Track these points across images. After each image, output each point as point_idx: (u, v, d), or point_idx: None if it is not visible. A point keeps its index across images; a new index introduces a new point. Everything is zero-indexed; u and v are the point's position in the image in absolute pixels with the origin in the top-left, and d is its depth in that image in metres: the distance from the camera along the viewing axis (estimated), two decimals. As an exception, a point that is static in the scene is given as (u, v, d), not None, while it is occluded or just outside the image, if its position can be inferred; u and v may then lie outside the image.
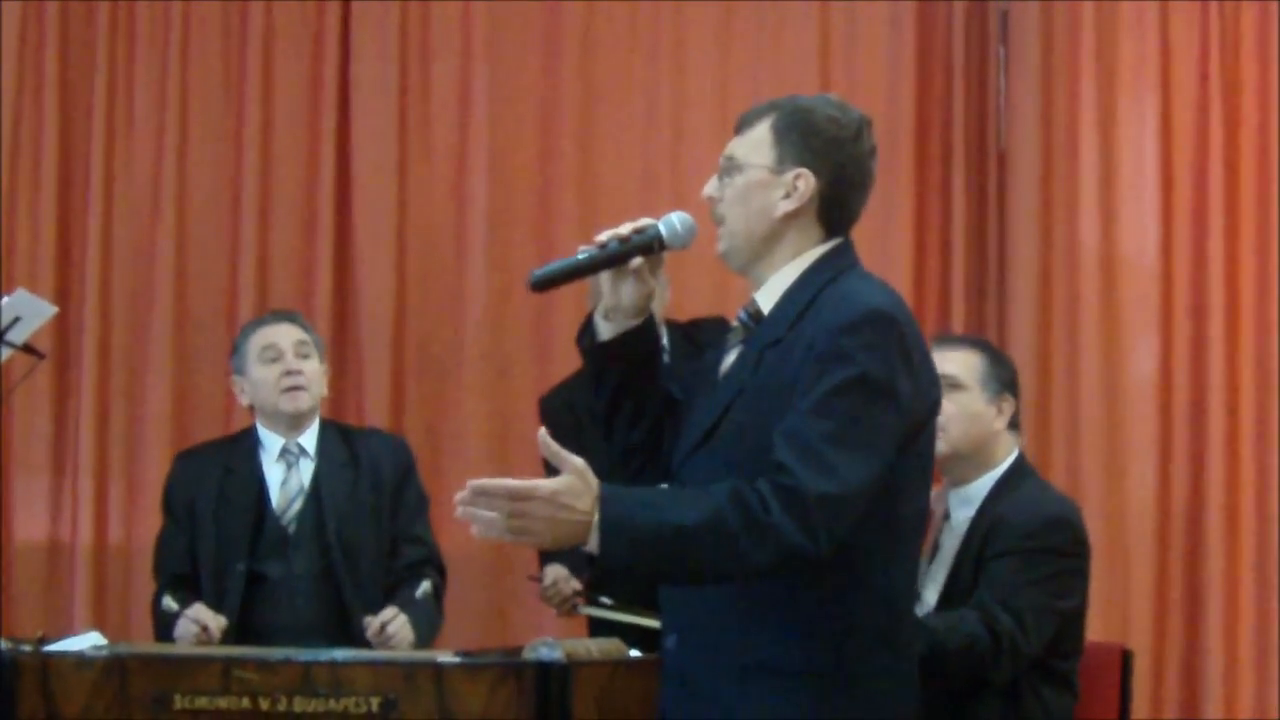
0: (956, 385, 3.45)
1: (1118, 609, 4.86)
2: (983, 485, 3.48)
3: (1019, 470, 3.51)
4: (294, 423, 4.12)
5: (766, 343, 2.58)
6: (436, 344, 5.11)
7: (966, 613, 3.25)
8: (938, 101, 5.20)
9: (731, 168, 2.64)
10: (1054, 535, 3.35)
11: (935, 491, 3.37)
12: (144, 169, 5.06)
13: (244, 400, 4.19)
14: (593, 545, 2.38)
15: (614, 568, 2.39)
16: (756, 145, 2.63)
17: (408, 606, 3.95)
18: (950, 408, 3.39)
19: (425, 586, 4.04)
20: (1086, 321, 5.05)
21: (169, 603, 3.92)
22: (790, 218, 2.63)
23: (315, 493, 4.07)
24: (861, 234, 5.00)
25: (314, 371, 4.16)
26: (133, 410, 5.01)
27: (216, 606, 3.91)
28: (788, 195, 2.62)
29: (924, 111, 5.19)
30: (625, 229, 2.63)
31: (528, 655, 3.44)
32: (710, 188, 2.67)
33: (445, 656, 3.48)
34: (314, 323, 4.91)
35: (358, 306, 5.10)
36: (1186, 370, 5.05)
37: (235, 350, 4.22)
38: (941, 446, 3.41)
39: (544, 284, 2.66)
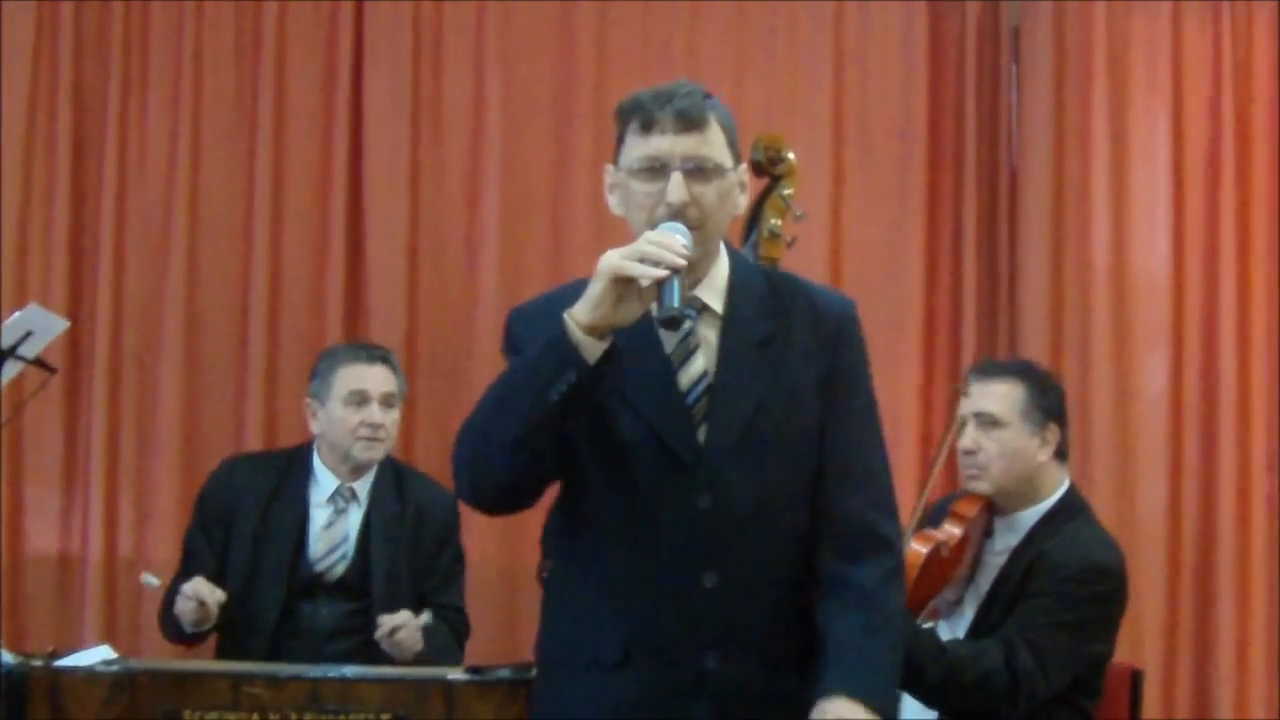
0: (996, 423, 3.36)
1: (1128, 628, 4.76)
2: (1029, 516, 3.39)
3: (1069, 505, 3.41)
4: (358, 469, 4.04)
5: (757, 340, 2.54)
6: (448, 351, 5.08)
7: (989, 644, 3.20)
8: (950, 118, 5.19)
9: (711, 171, 2.49)
10: (1096, 583, 3.29)
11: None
12: (157, 175, 5.03)
13: (314, 427, 4.06)
14: None
15: None
16: (720, 146, 2.52)
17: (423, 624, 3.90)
18: (992, 447, 3.35)
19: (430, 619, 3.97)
20: (1098, 338, 5.05)
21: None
22: None
23: (362, 544, 4.00)
24: (874, 248, 5.10)
25: (394, 423, 4.06)
26: (144, 424, 4.99)
27: (242, 634, 3.85)
28: (743, 191, 2.60)
29: (936, 127, 5.18)
30: (679, 242, 2.40)
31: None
32: (683, 192, 2.47)
33: (455, 673, 3.48)
34: (325, 332, 4.92)
35: (370, 314, 5.07)
36: (1197, 387, 5.05)
37: (317, 374, 4.08)
38: (984, 486, 3.38)
39: (674, 321, 2.40)
